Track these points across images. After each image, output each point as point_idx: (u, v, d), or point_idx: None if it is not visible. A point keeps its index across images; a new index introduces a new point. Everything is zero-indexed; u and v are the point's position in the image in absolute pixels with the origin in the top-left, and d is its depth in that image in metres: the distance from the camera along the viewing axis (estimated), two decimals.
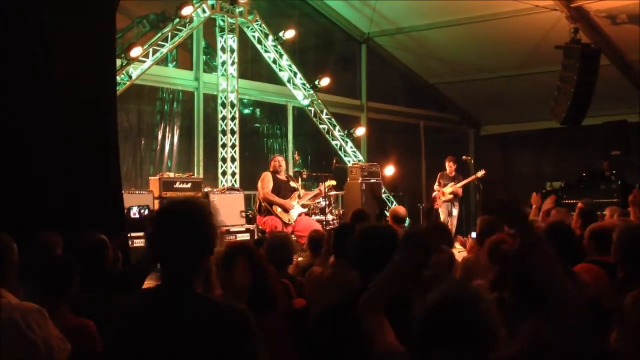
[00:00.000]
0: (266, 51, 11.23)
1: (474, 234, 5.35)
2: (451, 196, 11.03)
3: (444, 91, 15.29)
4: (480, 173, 11.07)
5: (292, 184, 8.99)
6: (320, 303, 3.69)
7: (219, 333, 1.90)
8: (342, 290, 3.74)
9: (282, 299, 3.35)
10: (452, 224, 10.90)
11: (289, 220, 8.63)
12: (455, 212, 11.06)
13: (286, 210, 8.65)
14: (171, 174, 9.46)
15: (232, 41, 10.62)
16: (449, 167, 11.32)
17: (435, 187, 11.31)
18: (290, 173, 10.86)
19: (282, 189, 8.73)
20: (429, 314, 1.72)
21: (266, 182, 8.66)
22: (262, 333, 3.13)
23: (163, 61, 10.15)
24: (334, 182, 9.71)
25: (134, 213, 7.02)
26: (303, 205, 8.99)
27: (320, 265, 4.56)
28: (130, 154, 9.95)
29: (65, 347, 2.78)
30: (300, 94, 11.76)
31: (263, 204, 8.69)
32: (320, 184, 9.50)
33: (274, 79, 11.72)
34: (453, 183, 11.11)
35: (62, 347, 2.77)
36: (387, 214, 7.40)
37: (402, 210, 7.08)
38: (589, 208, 6.06)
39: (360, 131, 12.72)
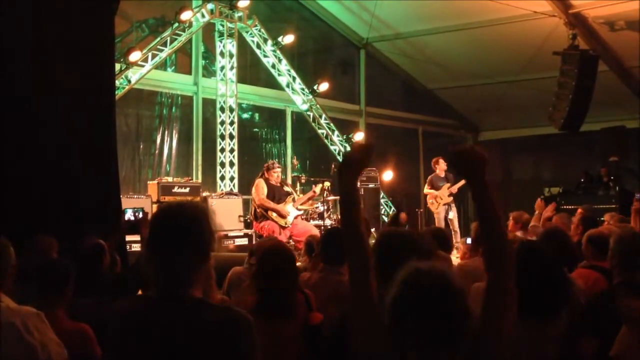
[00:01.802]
0: (265, 56, 11.24)
1: (469, 240, 5.35)
2: (450, 199, 10.91)
3: (442, 96, 15.31)
4: None
5: (286, 188, 8.99)
6: None
7: (217, 337, 1.88)
8: (328, 295, 3.75)
9: (302, 309, 3.34)
10: (454, 226, 10.83)
11: (286, 224, 8.63)
12: (452, 214, 10.95)
13: (282, 216, 8.66)
14: (170, 179, 9.46)
15: (231, 46, 10.64)
16: (439, 167, 11.15)
17: (426, 191, 11.14)
18: (289, 178, 10.87)
19: (277, 194, 8.74)
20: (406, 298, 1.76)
21: (260, 189, 8.66)
22: (277, 340, 3.15)
23: (162, 65, 10.16)
24: (328, 183, 9.72)
25: (129, 216, 7.01)
26: (299, 209, 8.98)
27: (310, 270, 4.55)
28: (129, 158, 9.94)
29: (63, 353, 2.77)
30: (299, 98, 11.77)
31: (258, 210, 8.69)
32: (314, 186, 9.51)
33: (273, 84, 11.73)
34: (448, 184, 10.97)
35: (60, 352, 2.76)
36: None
37: (401, 215, 7.08)
38: (590, 214, 6.08)
39: (359, 136, 12.71)
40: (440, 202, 10.87)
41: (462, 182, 10.93)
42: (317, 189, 9.33)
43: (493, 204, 1.96)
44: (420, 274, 1.78)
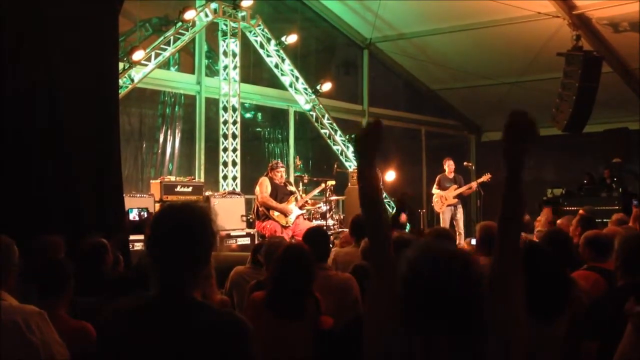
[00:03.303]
0: (268, 55, 11.25)
1: (473, 241, 5.34)
2: (455, 200, 10.92)
3: (445, 97, 15.30)
4: (486, 177, 10.90)
5: (290, 187, 9.00)
6: None
7: (213, 340, 1.86)
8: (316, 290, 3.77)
9: (311, 312, 3.34)
10: (459, 227, 10.83)
11: (287, 223, 8.64)
12: (458, 215, 10.96)
13: (285, 215, 8.66)
14: (172, 178, 9.46)
15: (234, 45, 10.64)
16: (448, 167, 11.19)
17: (434, 190, 11.18)
18: (292, 178, 10.86)
19: (280, 193, 8.75)
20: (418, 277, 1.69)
21: (264, 187, 8.67)
22: (284, 340, 3.15)
23: (165, 65, 10.17)
24: (333, 182, 9.75)
25: (134, 216, 7.02)
26: (301, 207, 8.98)
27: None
28: (132, 157, 9.96)
29: (65, 353, 2.78)
30: (301, 98, 11.78)
31: (261, 209, 8.69)
32: (322, 184, 9.55)
33: (276, 84, 11.74)
34: (455, 185, 10.98)
35: (62, 352, 2.77)
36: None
37: (402, 216, 7.09)
38: (589, 215, 6.07)
39: None
40: (445, 202, 10.88)
41: (469, 185, 10.96)
42: (325, 185, 9.39)
43: (522, 193, 2.03)
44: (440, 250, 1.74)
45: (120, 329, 1.94)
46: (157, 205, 8.65)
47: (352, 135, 6.72)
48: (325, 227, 9.32)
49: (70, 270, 3.22)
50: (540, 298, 2.73)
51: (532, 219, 8.46)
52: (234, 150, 10.63)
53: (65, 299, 3.17)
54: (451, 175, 11.11)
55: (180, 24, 9.63)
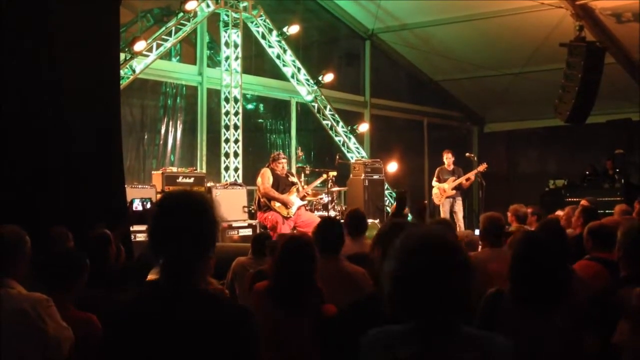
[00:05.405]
0: (270, 46, 11.22)
1: (477, 232, 5.33)
2: (454, 192, 10.91)
3: (448, 88, 15.27)
4: (482, 167, 10.90)
5: (291, 178, 8.99)
6: None
7: (217, 330, 1.87)
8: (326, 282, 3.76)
9: (314, 303, 3.34)
10: (458, 220, 10.83)
11: (288, 214, 8.63)
12: (456, 207, 10.95)
13: (286, 206, 8.66)
14: (174, 169, 9.46)
15: (236, 36, 10.62)
16: (447, 160, 11.18)
17: (434, 183, 11.18)
18: (293, 169, 10.86)
19: (281, 184, 8.74)
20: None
21: (266, 179, 8.65)
22: (286, 330, 3.15)
23: (167, 55, 10.15)
24: (334, 173, 9.75)
25: (136, 206, 7.01)
26: (302, 198, 8.97)
27: None
28: (134, 149, 9.96)
29: (70, 336, 2.80)
30: (303, 89, 11.76)
31: (262, 200, 8.69)
32: (324, 175, 9.55)
33: (278, 75, 11.72)
34: (454, 177, 10.97)
35: (68, 335, 2.79)
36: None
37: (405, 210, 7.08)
38: (592, 206, 6.06)
39: (364, 127, 12.71)
40: (444, 194, 10.87)
41: (466, 175, 10.93)
42: (327, 176, 9.39)
43: None
44: (422, 241, 1.81)
45: (125, 319, 1.94)
46: (159, 196, 8.66)
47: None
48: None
49: (83, 264, 3.20)
50: (539, 288, 2.74)
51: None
52: (236, 141, 10.62)
53: (75, 291, 3.16)
54: (450, 168, 11.09)
55: (181, 14, 9.60)
